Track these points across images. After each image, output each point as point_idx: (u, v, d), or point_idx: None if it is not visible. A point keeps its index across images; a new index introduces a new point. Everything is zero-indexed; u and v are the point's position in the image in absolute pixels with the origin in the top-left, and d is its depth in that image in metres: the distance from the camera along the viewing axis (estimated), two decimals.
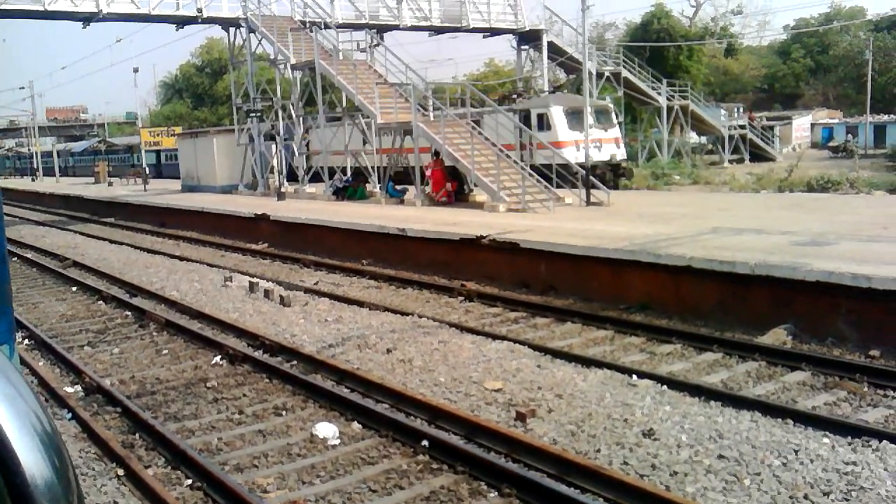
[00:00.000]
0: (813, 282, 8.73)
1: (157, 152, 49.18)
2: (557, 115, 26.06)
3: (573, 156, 24.88)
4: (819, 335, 8.66)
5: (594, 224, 14.05)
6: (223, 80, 65.17)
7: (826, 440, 5.76)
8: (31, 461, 0.95)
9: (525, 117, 26.42)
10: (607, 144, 26.94)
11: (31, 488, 0.94)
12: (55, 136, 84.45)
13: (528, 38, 33.30)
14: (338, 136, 25.20)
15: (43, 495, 0.94)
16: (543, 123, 26.05)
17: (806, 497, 4.84)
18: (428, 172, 20.72)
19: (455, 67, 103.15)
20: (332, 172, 25.08)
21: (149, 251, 19.00)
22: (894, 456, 5.40)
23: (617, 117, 30.02)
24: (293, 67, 25.56)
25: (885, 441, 5.66)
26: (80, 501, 1.01)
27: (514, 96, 29.55)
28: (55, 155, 62.99)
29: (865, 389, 7.15)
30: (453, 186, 20.51)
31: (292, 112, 26.47)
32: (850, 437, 5.79)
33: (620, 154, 28.02)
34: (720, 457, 5.47)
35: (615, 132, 28.31)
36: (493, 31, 32.92)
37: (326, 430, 6.46)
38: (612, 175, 26.33)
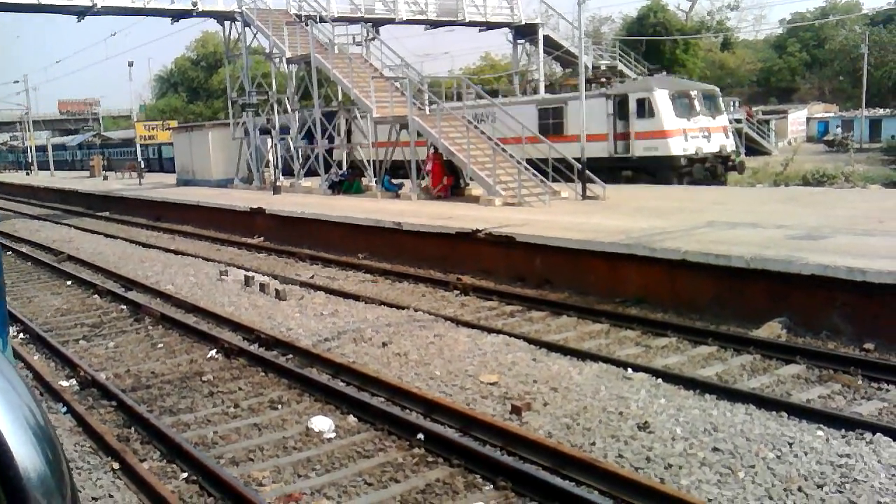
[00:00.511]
0: (808, 275, 8.75)
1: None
2: (662, 100, 22.93)
3: (681, 147, 22.63)
4: (814, 328, 8.69)
5: (590, 218, 14.06)
6: (218, 74, 65.00)
7: (820, 433, 5.78)
8: (24, 454, 0.95)
9: (621, 103, 23.58)
10: (716, 134, 23.84)
11: (24, 481, 0.94)
12: (50, 129, 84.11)
13: (525, 31, 33.27)
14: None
15: (36, 488, 0.94)
16: (644, 110, 22.94)
17: (800, 489, 4.86)
18: (428, 166, 20.69)
19: (451, 61, 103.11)
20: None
21: (144, 245, 18.96)
22: (888, 448, 5.42)
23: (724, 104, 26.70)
24: (289, 61, 25.48)
25: (878, 434, 5.68)
26: (73, 494, 1.01)
27: (604, 80, 26.50)
28: (50, 149, 62.71)
29: (860, 382, 7.19)
30: (449, 181, 20.49)
31: (288, 106, 26.41)
32: (844, 430, 5.81)
33: (730, 145, 24.84)
34: (715, 449, 5.49)
35: (723, 120, 25.02)
36: (489, 25, 32.88)
37: (322, 423, 6.46)
38: (722, 168, 23.67)
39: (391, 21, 29.64)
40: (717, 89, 26.01)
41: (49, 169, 57.22)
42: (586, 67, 19.93)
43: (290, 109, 26.29)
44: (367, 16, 28.45)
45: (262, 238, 19.24)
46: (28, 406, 1.01)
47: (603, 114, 23.35)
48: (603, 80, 26.47)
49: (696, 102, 23.85)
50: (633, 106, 23.25)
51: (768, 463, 5.25)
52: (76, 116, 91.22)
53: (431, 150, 20.57)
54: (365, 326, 9.57)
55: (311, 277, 13.66)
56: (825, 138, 50.29)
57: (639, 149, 22.58)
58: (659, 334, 9.00)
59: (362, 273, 14.03)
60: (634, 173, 22.90)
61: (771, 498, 4.80)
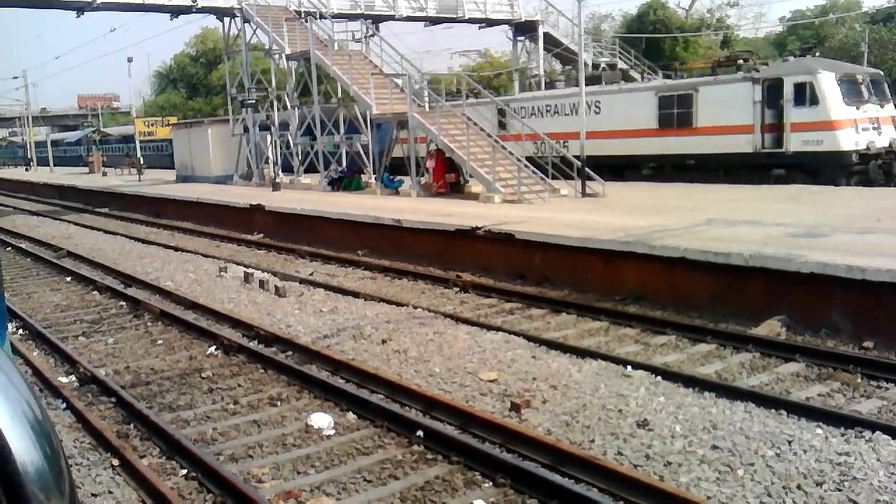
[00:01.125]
0: (807, 273, 8.75)
1: None
2: (828, 84, 19.22)
3: (852, 140, 19.10)
4: (813, 326, 8.69)
5: (589, 215, 14.06)
6: (218, 71, 64.84)
7: (819, 431, 5.78)
8: (23, 449, 0.95)
9: (771, 88, 19.88)
10: (885, 125, 20.00)
11: (23, 476, 0.94)
12: (50, 125, 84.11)
13: (524, 29, 33.27)
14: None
15: (34, 483, 0.94)
16: (805, 96, 19.27)
17: (799, 487, 4.86)
18: (430, 163, 20.68)
19: (450, 58, 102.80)
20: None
21: (143, 241, 18.95)
22: (887, 447, 5.42)
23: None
24: (288, 58, 25.47)
25: (878, 432, 5.68)
26: (71, 490, 1.01)
27: (742, 62, 22.28)
28: (49, 144, 62.63)
29: (859, 380, 7.18)
30: (455, 177, 20.50)
31: (287, 102, 26.40)
32: (843, 428, 5.81)
33: None
34: (714, 447, 5.49)
35: (891, 109, 20.85)
36: (489, 22, 32.86)
37: (321, 420, 6.46)
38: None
39: (391, 18, 29.63)
40: (882, 73, 22.35)
41: (48, 164, 57.21)
42: (582, 66, 19.40)
43: (289, 106, 26.28)
44: (366, 12, 28.44)
45: (261, 235, 19.23)
46: (27, 402, 1.01)
47: (744, 101, 20.15)
48: (740, 61, 22.37)
49: (864, 88, 20.31)
50: (788, 91, 19.55)
51: (767, 461, 5.25)
52: (85, 112, 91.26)
53: (433, 148, 20.55)
54: (364, 323, 9.57)
55: (311, 274, 13.65)
56: None
57: (796, 143, 19.31)
58: (658, 332, 9.00)
59: (362, 270, 14.03)
60: (788, 172, 19.73)
61: (770, 496, 4.80)
